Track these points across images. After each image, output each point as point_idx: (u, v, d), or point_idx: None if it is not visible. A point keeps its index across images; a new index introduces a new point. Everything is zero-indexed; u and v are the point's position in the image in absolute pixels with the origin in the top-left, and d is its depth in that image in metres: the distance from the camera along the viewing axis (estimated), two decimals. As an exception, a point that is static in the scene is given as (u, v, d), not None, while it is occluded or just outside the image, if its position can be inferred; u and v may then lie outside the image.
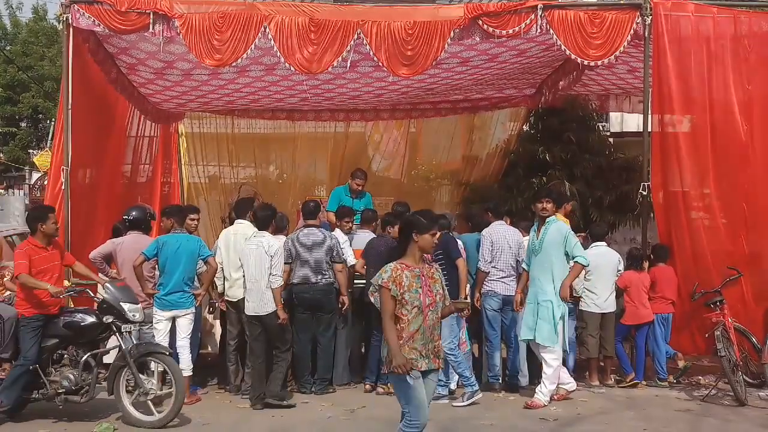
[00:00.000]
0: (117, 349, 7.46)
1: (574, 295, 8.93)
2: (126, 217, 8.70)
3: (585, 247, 9.05)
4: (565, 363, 8.81)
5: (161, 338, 7.96)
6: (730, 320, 8.47)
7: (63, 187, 8.76)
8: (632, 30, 8.91)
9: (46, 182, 19.47)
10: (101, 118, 10.06)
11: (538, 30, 8.82)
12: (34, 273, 7.15)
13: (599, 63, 9.16)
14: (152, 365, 7.33)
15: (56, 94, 25.74)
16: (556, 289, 7.98)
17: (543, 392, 7.99)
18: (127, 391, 7.33)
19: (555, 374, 8.07)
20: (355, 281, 9.06)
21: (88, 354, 7.33)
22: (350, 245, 9.03)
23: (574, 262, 8.02)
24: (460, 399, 8.10)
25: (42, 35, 32.40)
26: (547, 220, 8.13)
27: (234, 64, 9.01)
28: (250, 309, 8.10)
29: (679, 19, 9.00)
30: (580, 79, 11.06)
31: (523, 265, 8.44)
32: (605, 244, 9.26)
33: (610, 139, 13.81)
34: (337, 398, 8.43)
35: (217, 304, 8.95)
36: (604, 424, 7.46)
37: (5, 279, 7.90)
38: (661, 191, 9.12)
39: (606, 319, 8.99)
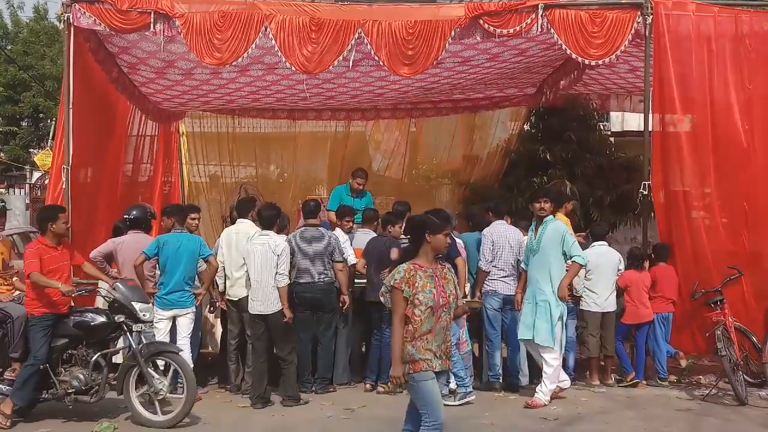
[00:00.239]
0: (123, 349, 7.47)
1: (575, 294, 8.95)
2: (127, 216, 8.72)
3: (586, 247, 9.08)
4: (565, 362, 8.84)
5: (162, 337, 7.97)
6: (730, 320, 8.47)
7: (64, 187, 8.76)
8: (633, 29, 8.91)
9: (46, 182, 19.52)
10: (102, 118, 10.06)
11: (539, 29, 8.81)
12: (45, 272, 7.13)
13: (600, 62, 9.16)
14: (159, 364, 7.33)
15: (57, 94, 25.72)
16: (554, 289, 7.98)
17: (543, 391, 7.99)
18: (137, 391, 7.31)
19: (555, 374, 8.07)
20: (356, 280, 9.06)
21: (99, 354, 7.32)
22: (351, 244, 9.03)
23: (572, 261, 8.02)
24: (452, 398, 8.11)
25: (43, 34, 32.38)
26: (545, 219, 8.13)
27: (235, 63, 9.02)
28: (256, 308, 8.10)
29: (680, 19, 9.00)
30: (580, 79, 11.06)
31: (522, 265, 8.45)
32: (606, 243, 9.26)
33: (611, 139, 13.81)
34: (338, 397, 8.44)
35: (217, 303, 8.96)
36: (604, 424, 7.46)
37: (14, 279, 7.88)
38: (661, 191, 9.12)
39: (606, 319, 8.99)
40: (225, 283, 8.65)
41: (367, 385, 8.72)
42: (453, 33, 8.80)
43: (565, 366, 8.80)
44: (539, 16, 8.76)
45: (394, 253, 8.64)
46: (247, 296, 8.36)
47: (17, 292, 7.74)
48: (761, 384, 8.67)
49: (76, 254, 7.70)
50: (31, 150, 31.38)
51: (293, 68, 9.06)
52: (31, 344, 7.25)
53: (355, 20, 8.84)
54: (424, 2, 9.86)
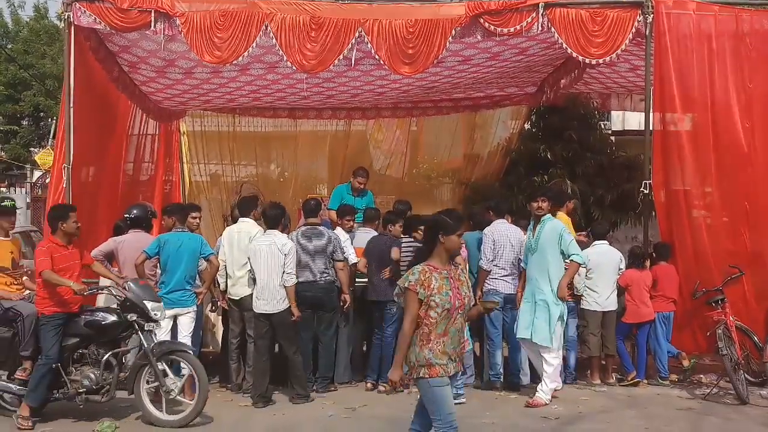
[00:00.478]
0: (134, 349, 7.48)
1: (576, 293, 8.95)
2: (127, 215, 8.71)
3: (586, 246, 9.08)
4: (566, 361, 8.85)
5: (163, 336, 7.96)
6: (731, 319, 8.47)
7: (65, 186, 8.76)
8: (634, 28, 8.90)
9: (47, 181, 19.49)
10: (103, 117, 10.07)
11: (540, 28, 8.81)
12: (55, 271, 7.10)
13: (601, 61, 9.16)
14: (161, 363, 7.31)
15: (58, 93, 25.71)
16: (553, 288, 7.98)
17: (544, 391, 7.98)
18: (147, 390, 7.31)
19: (555, 373, 8.08)
20: (357, 279, 9.07)
21: (110, 353, 7.31)
22: (351, 243, 9.03)
23: (570, 260, 8.01)
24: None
25: (43, 33, 32.39)
26: (543, 218, 8.13)
27: (235, 62, 9.01)
28: (261, 307, 8.10)
29: (681, 18, 8.98)
30: (581, 78, 11.06)
31: (522, 264, 8.45)
32: (607, 242, 9.26)
33: (612, 138, 13.83)
34: (339, 396, 8.44)
35: (219, 302, 8.95)
36: (605, 423, 7.46)
37: (24, 278, 7.86)
38: (662, 190, 9.11)
39: (607, 318, 8.99)
40: (226, 282, 8.64)
41: (368, 384, 8.73)
42: (453, 32, 8.80)
43: (566, 365, 8.82)
44: (540, 14, 8.75)
45: (395, 253, 8.66)
46: (249, 295, 8.37)
47: (27, 292, 7.71)
48: (762, 383, 8.67)
49: (85, 253, 7.67)
50: (32, 149, 31.37)
51: (294, 67, 9.06)
52: (43, 343, 7.21)
53: (356, 19, 8.84)
54: (424, 1, 9.85)
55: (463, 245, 8.61)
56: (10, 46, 32.83)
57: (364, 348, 9.31)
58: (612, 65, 10.49)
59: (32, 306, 7.37)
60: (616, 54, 8.99)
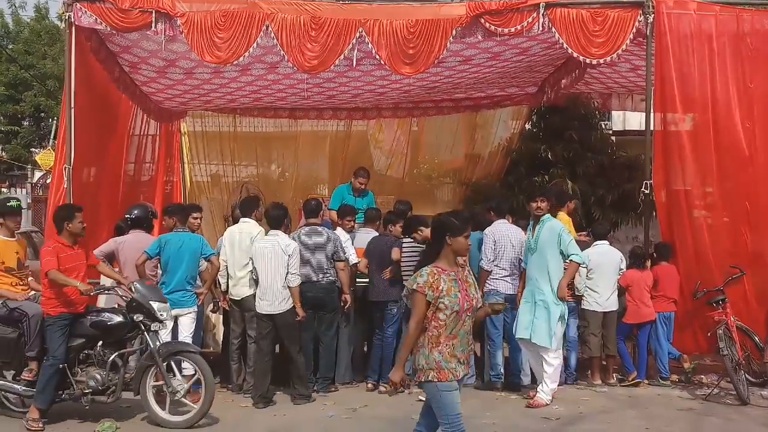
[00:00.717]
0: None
1: (576, 293, 8.95)
2: (128, 215, 8.72)
3: (587, 246, 9.07)
4: (567, 361, 8.84)
5: (163, 337, 7.95)
6: (732, 319, 8.46)
7: (66, 186, 8.76)
8: (634, 28, 8.90)
9: (48, 181, 19.47)
10: (104, 117, 10.07)
11: (541, 28, 8.81)
12: (61, 271, 7.08)
13: (601, 61, 9.16)
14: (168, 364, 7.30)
15: (59, 93, 25.69)
16: (553, 288, 7.97)
17: (545, 391, 7.98)
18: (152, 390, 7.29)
19: (556, 373, 8.07)
20: (358, 280, 9.06)
21: (116, 354, 7.29)
22: (352, 244, 9.03)
23: (570, 260, 8.01)
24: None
25: (44, 34, 32.40)
26: (542, 219, 8.13)
27: (236, 62, 9.01)
28: (264, 308, 8.10)
29: (682, 17, 8.98)
30: (582, 78, 11.05)
31: (522, 264, 8.45)
32: (608, 242, 9.25)
33: (613, 138, 13.82)
34: (340, 397, 8.43)
35: (220, 302, 8.95)
36: (606, 423, 7.46)
37: (29, 279, 7.85)
38: (663, 190, 9.10)
39: (608, 318, 8.99)
40: (228, 282, 8.64)
41: (369, 385, 8.73)
42: (454, 32, 8.80)
43: (566, 365, 8.82)
44: (540, 14, 8.75)
45: (395, 254, 8.66)
46: (250, 296, 8.38)
47: (32, 292, 7.70)
48: (763, 383, 8.67)
49: (91, 254, 7.66)
50: (33, 149, 31.40)
51: (295, 67, 9.06)
52: (49, 344, 7.19)
53: (356, 19, 8.84)
54: (425, 1, 9.86)
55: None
56: (11, 47, 32.84)
57: (365, 348, 9.30)
58: (613, 65, 10.49)
59: (38, 306, 7.34)
60: (616, 54, 8.99)
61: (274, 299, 8.06)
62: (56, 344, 7.15)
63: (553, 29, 8.82)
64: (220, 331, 9.37)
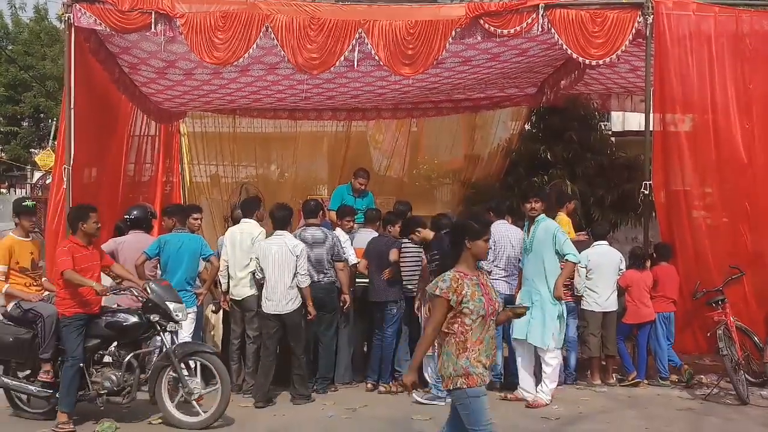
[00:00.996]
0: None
1: (576, 294, 8.96)
2: (127, 216, 8.72)
3: (587, 246, 9.08)
4: (566, 361, 8.85)
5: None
6: (732, 319, 8.47)
7: (65, 187, 8.76)
8: (634, 29, 8.91)
9: (48, 181, 19.45)
10: (103, 118, 10.07)
11: (540, 29, 8.81)
12: (76, 271, 7.05)
13: (601, 62, 9.16)
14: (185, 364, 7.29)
15: (58, 94, 25.74)
16: (549, 288, 7.97)
17: (544, 391, 7.99)
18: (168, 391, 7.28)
19: (555, 373, 8.07)
20: (358, 280, 9.07)
21: (131, 354, 7.28)
22: (351, 244, 9.04)
23: (565, 260, 8.00)
24: (422, 393, 8.13)
25: (44, 35, 32.42)
26: (536, 219, 8.14)
27: (235, 63, 9.02)
28: (270, 308, 8.10)
29: (681, 18, 8.99)
30: (581, 78, 11.05)
31: (520, 265, 8.46)
32: (607, 243, 9.26)
33: (612, 138, 13.81)
34: (339, 397, 8.44)
35: (220, 302, 8.95)
36: (605, 423, 7.46)
37: (43, 279, 7.84)
38: (662, 190, 9.12)
39: (608, 318, 8.99)
40: (228, 282, 8.64)
41: (369, 385, 8.73)
42: (453, 33, 8.80)
43: (566, 365, 8.82)
44: (540, 16, 8.76)
45: (393, 255, 8.66)
46: (251, 296, 8.40)
47: (46, 293, 7.68)
48: (762, 383, 8.67)
49: (105, 255, 7.59)
50: (32, 150, 31.45)
51: (294, 68, 9.06)
52: (66, 345, 7.17)
53: (356, 20, 8.85)
54: (424, 2, 9.87)
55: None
56: (10, 48, 32.85)
57: (365, 349, 9.30)
58: (612, 66, 10.49)
59: (52, 307, 7.32)
60: (616, 55, 9.00)
61: (281, 299, 8.06)
62: (74, 345, 7.12)
63: (553, 30, 8.82)
64: (219, 331, 9.37)
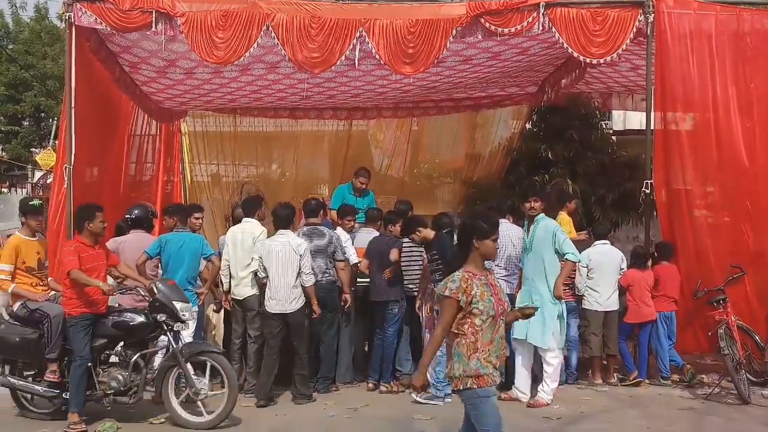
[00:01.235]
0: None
1: (577, 293, 8.95)
2: (128, 215, 8.72)
3: (588, 245, 9.07)
4: (568, 361, 8.84)
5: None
6: (733, 318, 8.46)
7: (66, 186, 8.76)
8: (635, 28, 8.89)
9: (48, 181, 19.44)
10: (104, 117, 10.07)
11: (541, 28, 8.80)
12: (83, 271, 7.04)
13: (602, 61, 9.15)
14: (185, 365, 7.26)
15: (59, 93, 25.74)
16: (549, 288, 7.96)
17: (545, 391, 7.98)
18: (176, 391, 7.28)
19: (556, 372, 8.07)
20: (359, 280, 9.06)
21: (138, 354, 7.27)
22: (352, 243, 9.03)
23: (565, 259, 7.99)
24: (421, 393, 8.12)
25: (45, 34, 32.42)
26: (536, 218, 8.13)
27: (236, 62, 9.01)
28: (274, 307, 8.10)
29: (682, 17, 8.98)
30: (582, 77, 11.04)
31: (520, 264, 8.45)
32: (608, 242, 9.26)
33: (613, 137, 13.81)
34: (340, 397, 8.44)
35: (222, 302, 8.95)
36: (607, 423, 7.46)
37: (49, 279, 7.82)
38: (663, 189, 9.10)
39: (609, 318, 8.99)
40: (230, 282, 8.64)
41: (370, 385, 8.72)
42: (454, 32, 8.79)
43: (567, 365, 8.82)
44: (540, 14, 8.74)
45: (393, 254, 8.66)
46: (252, 295, 8.41)
47: (52, 293, 7.67)
48: (764, 383, 8.66)
49: (111, 255, 7.57)
50: (33, 149, 31.45)
51: (295, 67, 9.05)
52: (74, 344, 7.16)
53: (356, 19, 8.84)
54: (425, 1, 9.85)
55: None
56: (11, 47, 32.85)
57: (366, 348, 9.30)
58: (613, 65, 10.48)
59: (59, 307, 7.31)
60: (617, 53, 8.99)
61: (285, 299, 8.06)
62: (81, 344, 7.12)
63: (553, 29, 8.81)
64: (220, 331, 9.37)
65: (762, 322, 8.83)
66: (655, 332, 8.95)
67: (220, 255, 8.67)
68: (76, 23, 8.75)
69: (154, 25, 8.67)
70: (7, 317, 7.54)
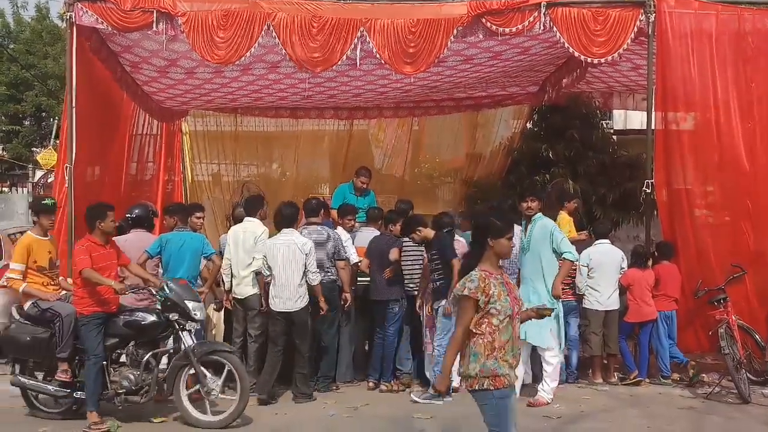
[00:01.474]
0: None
1: (578, 292, 8.95)
2: (129, 215, 8.71)
3: (588, 245, 9.07)
4: (568, 360, 8.84)
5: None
6: (733, 318, 8.47)
7: (67, 186, 8.77)
8: (636, 27, 8.89)
9: (49, 180, 19.44)
10: (105, 116, 10.08)
11: (542, 27, 8.80)
12: (94, 270, 7.03)
13: (603, 60, 9.16)
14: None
15: (60, 93, 25.71)
16: (547, 287, 7.95)
17: (545, 390, 7.99)
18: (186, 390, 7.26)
19: (556, 371, 8.07)
20: (359, 279, 9.07)
21: (150, 353, 7.26)
22: (353, 243, 9.04)
23: (563, 258, 7.99)
24: (419, 392, 8.17)
25: (46, 33, 32.42)
26: (533, 218, 8.13)
27: (237, 62, 9.01)
28: (279, 306, 8.10)
29: (683, 17, 8.99)
30: (583, 77, 11.06)
31: (518, 264, 8.45)
32: (609, 241, 9.26)
33: (614, 137, 13.82)
34: (341, 396, 8.44)
35: (223, 301, 8.95)
36: (607, 422, 7.46)
37: (60, 279, 7.80)
38: (664, 189, 9.11)
39: (609, 317, 8.99)
40: (231, 281, 8.64)
41: (370, 384, 8.73)
42: (455, 31, 8.79)
43: (568, 364, 8.82)
44: (542, 14, 8.75)
45: (393, 254, 8.66)
46: (253, 295, 8.41)
47: (63, 292, 7.66)
48: (764, 382, 8.67)
49: (122, 254, 7.55)
50: (34, 149, 31.44)
51: (296, 67, 9.06)
52: (86, 343, 7.13)
53: (358, 19, 8.85)
54: (426, 0, 9.86)
55: (466, 245, 8.62)
56: (12, 47, 32.85)
57: (366, 347, 9.30)
58: (614, 64, 10.48)
59: (71, 306, 7.29)
60: (618, 53, 8.99)
61: (290, 298, 8.06)
62: (94, 343, 7.11)
63: (555, 28, 8.82)
64: (220, 330, 9.37)
65: (762, 321, 8.83)
66: (655, 331, 8.95)
67: (221, 254, 8.68)
68: (77, 23, 8.76)
69: (155, 24, 8.68)
70: (17, 317, 7.52)
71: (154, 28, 8.70)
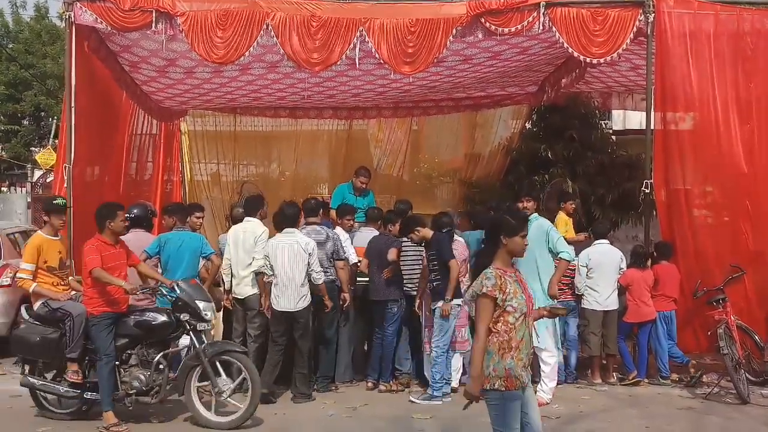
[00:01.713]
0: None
1: (577, 293, 8.95)
2: (128, 214, 8.68)
3: (587, 245, 9.07)
4: (567, 360, 8.84)
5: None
6: (732, 318, 8.47)
7: (66, 185, 8.76)
8: (635, 27, 8.90)
9: (48, 180, 19.41)
10: (105, 116, 10.08)
11: (541, 27, 8.81)
12: (104, 270, 7.01)
13: (602, 60, 9.16)
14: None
15: (59, 92, 25.73)
16: (543, 287, 7.94)
17: (544, 390, 7.98)
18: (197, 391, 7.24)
19: (554, 371, 8.06)
20: (358, 279, 9.06)
21: (160, 354, 7.22)
22: (352, 243, 9.04)
23: (559, 258, 7.98)
24: (418, 393, 8.18)
25: (44, 33, 32.41)
26: (529, 218, 8.10)
27: (236, 61, 9.01)
28: (282, 305, 8.09)
29: (682, 17, 8.99)
30: (582, 77, 11.06)
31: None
32: (608, 241, 9.25)
33: (613, 137, 13.84)
34: (340, 396, 8.44)
35: (223, 301, 8.95)
36: (606, 422, 7.46)
37: (69, 279, 7.78)
38: (663, 189, 9.11)
39: (608, 317, 8.99)
40: (231, 281, 8.64)
41: (369, 384, 8.72)
42: (454, 31, 8.80)
43: (567, 364, 8.82)
44: (541, 14, 8.75)
45: (392, 254, 8.65)
46: (253, 295, 8.41)
47: (73, 292, 7.63)
48: (763, 382, 8.66)
49: (132, 254, 7.54)
50: (33, 148, 31.41)
51: (295, 67, 9.06)
52: (98, 343, 7.10)
53: (357, 18, 8.85)
54: (425, 0, 9.87)
55: (465, 245, 8.63)
56: (11, 46, 32.83)
57: (365, 347, 9.30)
58: (613, 64, 10.49)
59: (81, 306, 7.24)
60: (617, 53, 8.99)
61: (293, 297, 8.05)
62: (105, 343, 7.08)
63: (554, 29, 8.82)
64: (219, 329, 9.36)
65: (761, 321, 8.84)
66: (654, 332, 8.95)
67: (220, 254, 8.68)
68: (77, 22, 8.77)
69: (154, 24, 8.69)
70: (27, 317, 7.49)
71: (153, 28, 8.71)
